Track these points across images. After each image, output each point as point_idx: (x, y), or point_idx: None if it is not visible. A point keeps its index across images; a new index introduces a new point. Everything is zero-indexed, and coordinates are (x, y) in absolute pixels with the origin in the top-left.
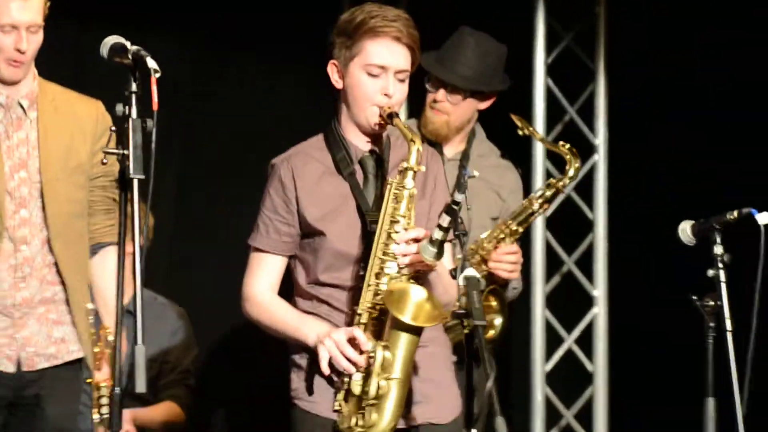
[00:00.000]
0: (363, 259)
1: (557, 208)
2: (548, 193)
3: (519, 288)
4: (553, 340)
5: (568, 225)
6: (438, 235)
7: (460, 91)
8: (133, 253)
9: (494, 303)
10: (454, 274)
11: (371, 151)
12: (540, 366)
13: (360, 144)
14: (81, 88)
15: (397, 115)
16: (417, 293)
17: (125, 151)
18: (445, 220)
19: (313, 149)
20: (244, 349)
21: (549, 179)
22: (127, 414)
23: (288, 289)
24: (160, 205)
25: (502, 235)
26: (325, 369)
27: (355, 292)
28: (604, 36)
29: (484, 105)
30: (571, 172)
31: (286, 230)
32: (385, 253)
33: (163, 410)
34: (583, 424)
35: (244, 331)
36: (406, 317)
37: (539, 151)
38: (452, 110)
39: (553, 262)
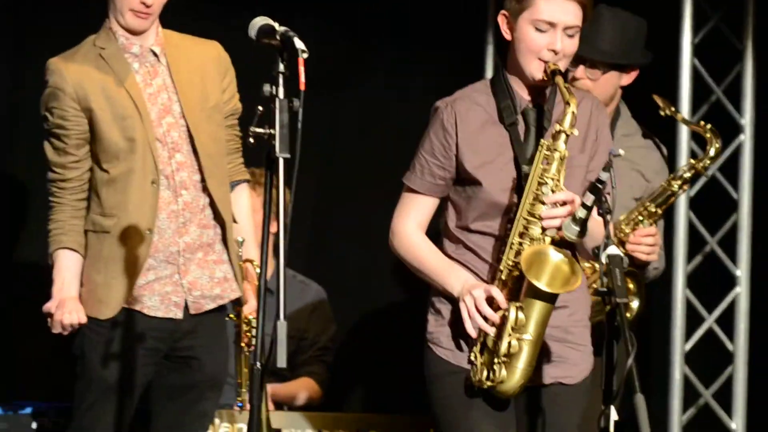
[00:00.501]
0: (515, 211)
1: (701, 188)
2: (688, 175)
3: (660, 268)
4: (693, 320)
5: (712, 205)
6: (581, 213)
7: (599, 65)
8: (277, 232)
9: (631, 286)
10: (596, 252)
11: (535, 104)
12: (679, 345)
13: (525, 94)
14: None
15: (560, 72)
16: (556, 257)
17: (272, 131)
18: (590, 199)
19: (479, 94)
20: (381, 327)
21: (690, 161)
22: (267, 389)
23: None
24: (301, 185)
25: (640, 217)
26: (470, 329)
27: (503, 242)
28: (753, 15)
29: (626, 80)
30: (712, 153)
31: (441, 174)
32: (530, 214)
33: (301, 386)
34: (721, 404)
35: (381, 310)
36: (542, 283)
37: (684, 131)
38: (593, 86)
39: (695, 242)
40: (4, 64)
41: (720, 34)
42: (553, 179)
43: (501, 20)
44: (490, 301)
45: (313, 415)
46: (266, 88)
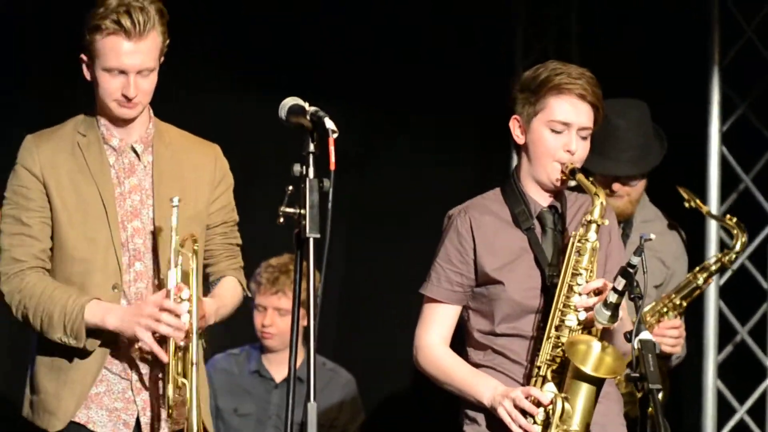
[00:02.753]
0: (541, 311)
1: (731, 277)
2: (714, 268)
3: (682, 356)
4: (725, 411)
5: (742, 294)
6: (613, 298)
7: (638, 176)
8: (307, 310)
9: None
10: (629, 337)
11: (550, 206)
12: None
13: (539, 199)
14: (261, 153)
15: (579, 170)
16: (598, 345)
17: (302, 211)
18: (621, 283)
19: (491, 202)
20: (410, 415)
21: (716, 254)
22: None
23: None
24: (328, 268)
25: (665, 309)
26: (517, 431)
27: (531, 342)
28: None
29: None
30: (738, 247)
31: (458, 280)
32: (566, 306)
33: None
34: None
35: (411, 397)
36: (588, 368)
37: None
38: (632, 190)
39: (726, 332)
40: None
41: (748, 121)
42: (586, 270)
43: (513, 124)
44: (530, 400)
45: None
46: (296, 168)
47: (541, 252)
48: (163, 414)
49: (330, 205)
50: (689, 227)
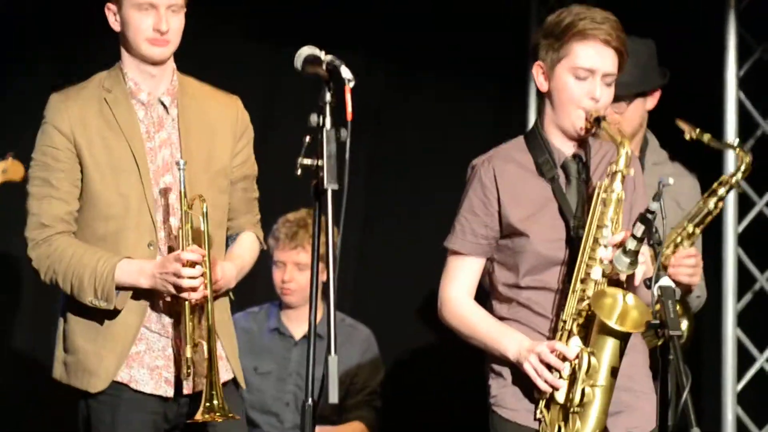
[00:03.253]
0: (566, 263)
1: (749, 225)
2: (722, 191)
3: (702, 297)
4: (745, 359)
5: (761, 241)
6: (632, 245)
7: (623, 98)
8: (327, 263)
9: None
10: (648, 283)
11: (574, 155)
12: (731, 385)
13: (563, 147)
14: (275, 106)
15: (604, 118)
16: (624, 298)
17: (319, 162)
18: (640, 230)
19: (515, 151)
20: (430, 370)
21: (723, 176)
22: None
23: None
24: (346, 223)
25: (679, 239)
26: (542, 386)
27: (556, 295)
28: None
29: (651, 104)
30: (742, 167)
31: (483, 232)
32: (591, 258)
33: (351, 430)
34: None
35: (431, 352)
36: (614, 322)
37: (730, 158)
38: (621, 119)
39: (745, 279)
40: None
41: (765, 66)
42: (612, 221)
43: (536, 71)
44: (556, 354)
45: None
46: (313, 118)
47: (565, 202)
48: (192, 371)
49: (348, 155)
50: (704, 175)
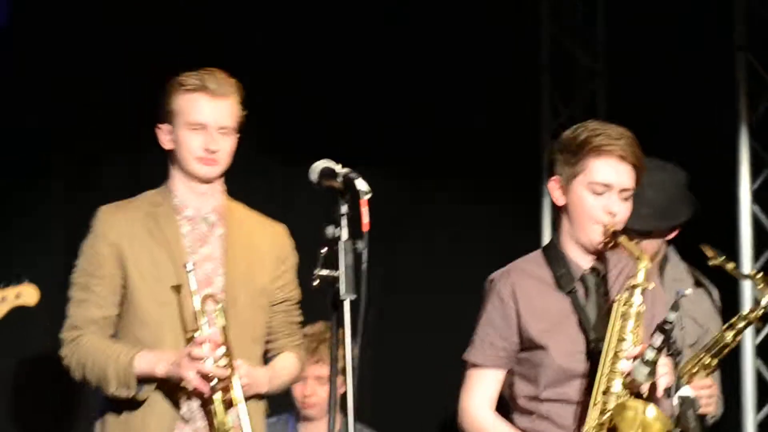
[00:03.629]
0: (586, 376)
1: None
2: (741, 325)
3: (718, 416)
4: (763, 391)
5: None
6: (650, 355)
7: (642, 232)
8: (345, 376)
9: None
10: (669, 393)
11: (592, 268)
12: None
13: (581, 261)
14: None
15: (621, 233)
16: (646, 411)
17: (336, 273)
18: (658, 340)
19: (532, 265)
20: None
21: (743, 311)
22: None
23: None
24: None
25: (695, 369)
26: None
27: (577, 408)
28: None
29: (671, 235)
30: (764, 302)
31: (501, 344)
32: (612, 371)
33: None
34: None
35: None
36: None
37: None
38: (645, 248)
39: (764, 391)
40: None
41: None
42: (632, 334)
43: (552, 186)
44: None
45: None
46: (329, 230)
47: (584, 315)
48: None
49: (365, 266)
50: (724, 286)
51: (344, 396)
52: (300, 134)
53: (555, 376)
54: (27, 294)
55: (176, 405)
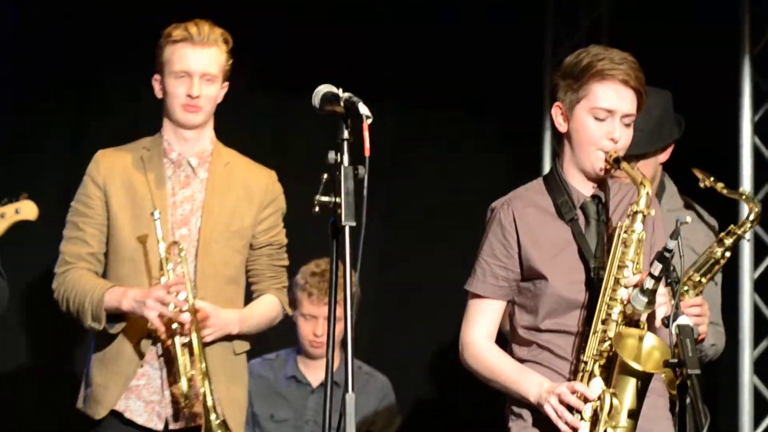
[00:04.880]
0: (586, 305)
1: (765, 270)
2: (729, 241)
3: (719, 345)
4: (761, 406)
5: None
6: (649, 284)
7: (631, 157)
8: (344, 296)
9: None
10: (666, 322)
11: (593, 196)
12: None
13: (582, 188)
14: (280, 156)
15: (623, 159)
16: (646, 339)
17: (337, 199)
18: (657, 268)
19: (533, 193)
20: (448, 418)
21: (731, 226)
22: None
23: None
24: (362, 267)
25: (685, 288)
26: (563, 427)
27: (577, 338)
28: None
29: (664, 157)
30: (751, 217)
31: (503, 274)
32: (612, 299)
33: None
34: None
35: (448, 399)
36: (637, 362)
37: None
38: None
39: (761, 326)
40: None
41: None
42: (633, 262)
43: (555, 112)
44: (576, 395)
45: None
46: (331, 155)
47: (585, 244)
48: (185, 408)
49: (365, 192)
50: (723, 222)
51: (344, 329)
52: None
53: (555, 305)
54: (26, 209)
55: (144, 343)
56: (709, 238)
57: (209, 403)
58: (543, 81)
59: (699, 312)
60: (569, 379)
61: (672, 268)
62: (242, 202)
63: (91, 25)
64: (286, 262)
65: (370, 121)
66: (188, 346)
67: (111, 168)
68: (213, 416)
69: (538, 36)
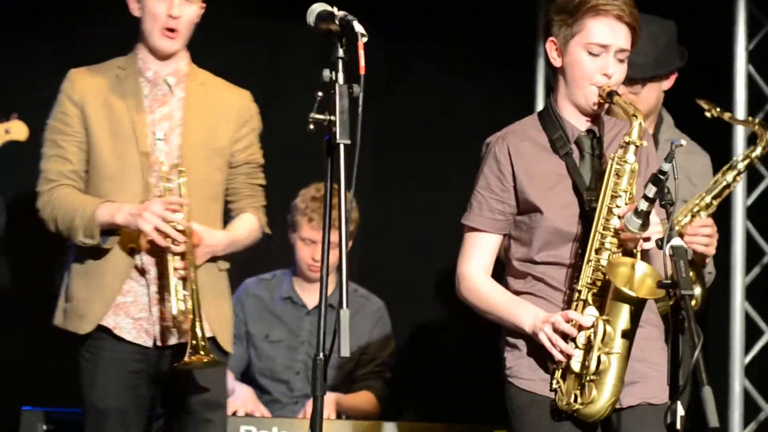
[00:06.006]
0: (580, 238)
1: (758, 198)
2: (741, 165)
3: (713, 273)
4: (752, 332)
5: None
6: (643, 205)
7: (639, 80)
8: (339, 214)
9: (691, 273)
10: (660, 243)
11: (588, 131)
12: (739, 358)
13: (576, 123)
14: (278, 81)
15: (616, 93)
16: (638, 267)
17: (331, 117)
18: (651, 190)
19: (528, 128)
20: (443, 342)
21: (743, 151)
22: (331, 397)
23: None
24: (357, 192)
25: (696, 209)
26: (557, 355)
27: (571, 270)
28: None
29: (667, 85)
30: (763, 143)
31: (500, 208)
32: (605, 228)
33: (362, 399)
34: None
35: (443, 324)
36: (629, 289)
37: (740, 136)
38: (636, 99)
39: (753, 253)
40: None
41: None
42: (625, 192)
43: (549, 47)
44: (570, 323)
45: (371, 424)
46: (326, 73)
47: (579, 177)
48: (173, 326)
49: (360, 110)
50: (717, 153)
51: (339, 250)
52: None
53: (549, 238)
54: (16, 129)
55: (132, 255)
56: (706, 168)
57: (198, 322)
58: (537, 13)
59: (710, 232)
60: (563, 309)
61: (666, 190)
62: (220, 121)
63: None
64: (263, 182)
65: (365, 39)
66: (180, 267)
67: (87, 87)
68: (200, 333)
69: None
